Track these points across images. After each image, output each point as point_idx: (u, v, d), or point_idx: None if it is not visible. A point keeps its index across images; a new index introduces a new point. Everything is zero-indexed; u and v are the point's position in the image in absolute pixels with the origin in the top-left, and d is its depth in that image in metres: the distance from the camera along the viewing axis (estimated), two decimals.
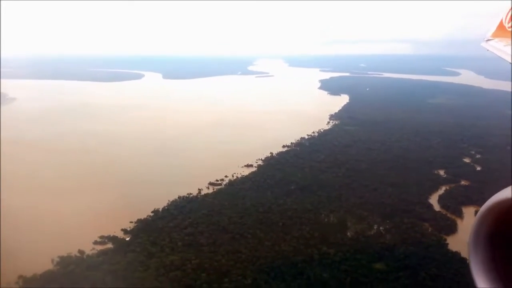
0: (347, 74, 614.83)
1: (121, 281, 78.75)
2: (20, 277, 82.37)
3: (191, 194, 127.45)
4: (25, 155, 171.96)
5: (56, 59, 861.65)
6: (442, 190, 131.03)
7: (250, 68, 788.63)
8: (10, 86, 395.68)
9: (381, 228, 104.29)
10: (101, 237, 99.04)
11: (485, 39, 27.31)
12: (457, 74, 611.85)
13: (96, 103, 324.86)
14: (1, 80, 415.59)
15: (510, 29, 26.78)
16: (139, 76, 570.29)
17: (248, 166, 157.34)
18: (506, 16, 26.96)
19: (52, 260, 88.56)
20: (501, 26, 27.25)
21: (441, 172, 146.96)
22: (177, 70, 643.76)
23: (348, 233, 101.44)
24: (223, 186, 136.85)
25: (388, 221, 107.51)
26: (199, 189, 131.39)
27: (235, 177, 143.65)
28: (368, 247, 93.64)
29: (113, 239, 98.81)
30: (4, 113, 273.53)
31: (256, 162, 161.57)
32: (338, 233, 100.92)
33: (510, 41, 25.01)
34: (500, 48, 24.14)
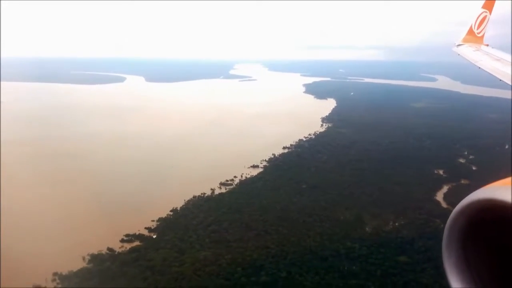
0: (329, 79, 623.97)
1: (160, 276, 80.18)
2: (55, 274, 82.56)
3: (205, 193, 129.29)
4: (21, 157, 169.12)
5: (32, 61, 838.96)
6: (445, 188, 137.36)
7: (231, 72, 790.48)
8: None
9: (396, 224, 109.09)
10: (127, 235, 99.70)
11: (456, 44, 28.69)
12: (434, 79, 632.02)
13: (86, 105, 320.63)
14: None
15: (479, 35, 28.31)
16: (121, 79, 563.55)
17: (254, 166, 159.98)
18: (475, 21, 28.21)
19: (83, 258, 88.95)
20: (471, 31, 28.53)
21: (441, 172, 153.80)
22: (158, 73, 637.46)
23: (367, 229, 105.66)
24: (234, 185, 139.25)
25: (401, 217, 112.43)
26: (211, 189, 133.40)
27: (244, 177, 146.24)
28: (389, 241, 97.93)
29: (139, 237, 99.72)
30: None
31: (261, 163, 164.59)
32: (357, 229, 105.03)
33: (479, 46, 26.62)
34: (469, 53, 25.48)
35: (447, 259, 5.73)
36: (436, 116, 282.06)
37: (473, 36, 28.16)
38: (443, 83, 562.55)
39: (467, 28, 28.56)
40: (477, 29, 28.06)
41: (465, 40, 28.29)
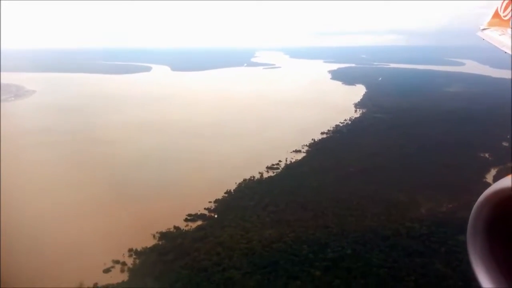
0: (353, 65, 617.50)
1: (231, 251, 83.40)
2: (131, 250, 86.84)
3: (254, 177, 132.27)
4: (67, 145, 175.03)
5: (59, 52, 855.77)
6: (493, 171, 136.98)
7: (253, 60, 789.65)
8: (25, 79, 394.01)
9: (450, 205, 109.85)
10: (189, 215, 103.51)
11: (481, 28, 27.41)
12: (462, 64, 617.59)
13: (119, 94, 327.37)
14: (14, 73, 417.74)
15: (505, 18, 27.19)
16: (147, 69, 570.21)
17: (296, 151, 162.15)
18: (501, 5, 27.17)
19: (154, 236, 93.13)
20: (496, 15, 27.36)
21: (486, 155, 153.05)
22: (183, 62, 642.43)
23: (422, 210, 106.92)
24: (281, 169, 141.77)
25: (455, 199, 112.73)
26: (259, 173, 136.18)
27: (289, 162, 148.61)
28: (447, 221, 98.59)
29: (201, 216, 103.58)
30: (30, 106, 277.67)
31: (303, 148, 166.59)
32: (413, 210, 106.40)
33: (505, 30, 25.51)
34: (495, 38, 24.48)
35: (472, 249, 5.72)
36: (472, 100, 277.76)
37: (499, 20, 27.18)
38: (472, 67, 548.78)
39: (493, 11, 27.63)
40: (504, 12, 27.13)
41: (491, 24, 27.14)
